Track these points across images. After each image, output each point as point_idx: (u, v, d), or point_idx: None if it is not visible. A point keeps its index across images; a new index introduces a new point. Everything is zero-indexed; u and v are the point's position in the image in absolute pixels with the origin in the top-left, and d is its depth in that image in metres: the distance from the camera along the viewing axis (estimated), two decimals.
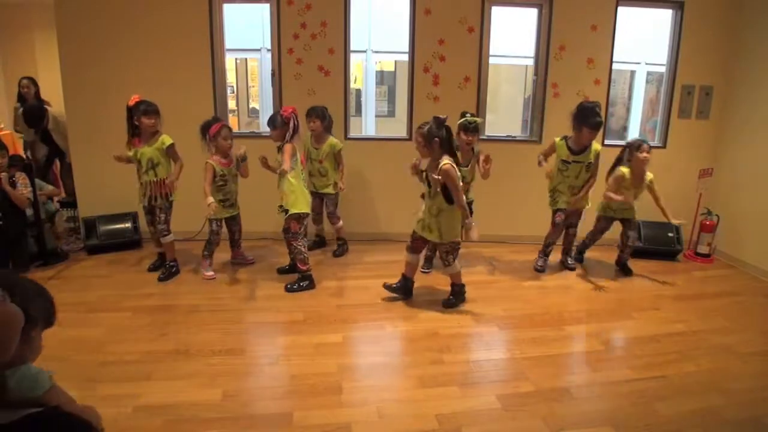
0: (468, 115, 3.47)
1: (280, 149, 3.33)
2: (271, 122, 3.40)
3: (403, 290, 3.30)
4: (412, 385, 2.39)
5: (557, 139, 3.71)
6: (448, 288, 3.27)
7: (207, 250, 3.66)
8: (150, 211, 3.66)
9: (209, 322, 2.96)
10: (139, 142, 3.47)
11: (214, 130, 3.48)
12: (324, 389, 2.33)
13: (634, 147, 3.59)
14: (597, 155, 3.66)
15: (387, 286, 3.31)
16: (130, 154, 3.51)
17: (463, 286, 3.26)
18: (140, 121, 3.41)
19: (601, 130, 4.44)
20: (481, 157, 3.46)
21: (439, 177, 2.89)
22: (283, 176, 3.25)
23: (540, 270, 3.87)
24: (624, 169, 3.62)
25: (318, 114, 3.87)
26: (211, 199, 3.38)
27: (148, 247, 4.22)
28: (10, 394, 1.05)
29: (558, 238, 3.89)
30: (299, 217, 3.35)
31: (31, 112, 4.83)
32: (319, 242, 4.37)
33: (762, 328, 3.04)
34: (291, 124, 3.26)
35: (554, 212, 3.77)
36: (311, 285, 3.46)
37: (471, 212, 3.52)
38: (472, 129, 3.46)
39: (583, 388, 2.41)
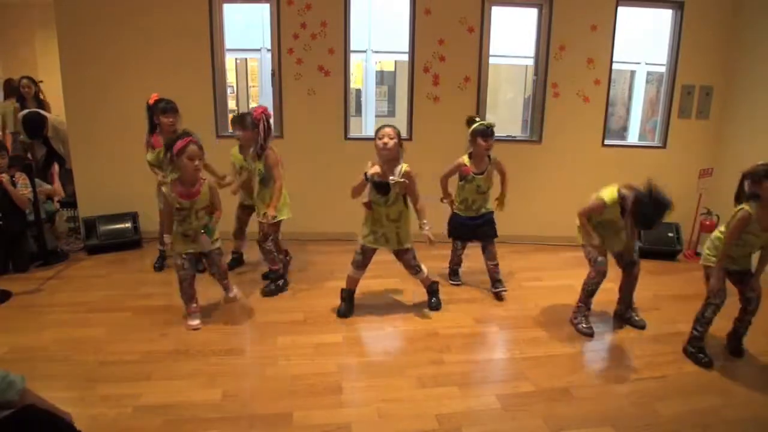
0: (477, 119, 3.33)
1: (260, 156, 3.14)
2: (240, 123, 3.22)
3: (350, 305, 3.13)
4: (412, 385, 2.39)
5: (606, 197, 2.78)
6: (443, 287, 3.27)
7: (182, 293, 2.90)
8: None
9: (209, 322, 2.96)
10: (159, 142, 3.42)
11: (178, 146, 2.68)
12: (324, 389, 2.33)
13: (761, 175, 2.50)
14: None
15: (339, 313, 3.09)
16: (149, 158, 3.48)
17: (436, 282, 3.24)
18: (159, 119, 3.40)
19: (601, 131, 4.49)
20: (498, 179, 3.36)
21: (405, 180, 2.85)
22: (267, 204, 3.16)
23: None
24: (748, 207, 2.51)
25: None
26: (167, 238, 2.85)
27: (148, 247, 4.23)
28: None
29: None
30: (280, 222, 3.30)
31: (30, 122, 4.79)
32: (238, 260, 3.85)
33: (762, 328, 3.04)
34: (261, 126, 3.08)
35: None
36: (286, 284, 3.44)
37: (496, 228, 3.41)
38: (491, 134, 3.24)
39: (583, 388, 2.41)
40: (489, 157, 3.33)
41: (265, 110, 3.12)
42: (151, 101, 3.44)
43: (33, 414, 1.07)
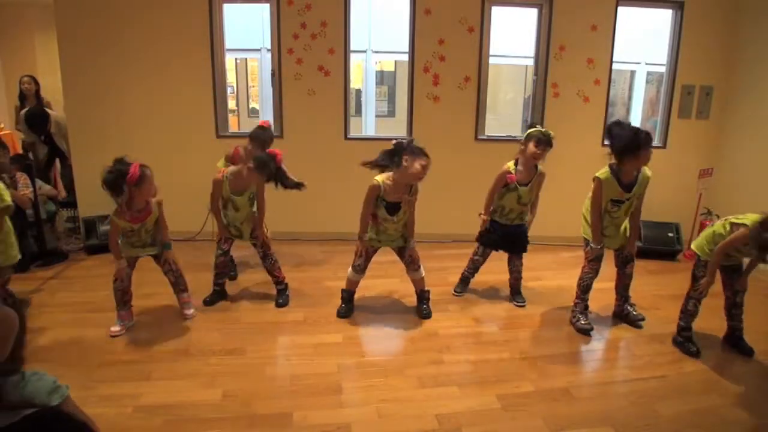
0: (537, 126, 3.12)
1: (250, 196, 3.06)
2: (262, 168, 2.91)
3: (350, 306, 3.14)
4: (412, 385, 2.39)
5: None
6: (447, 287, 3.27)
7: (116, 300, 2.84)
8: None
9: (209, 322, 2.96)
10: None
11: (135, 177, 2.64)
12: (324, 389, 2.33)
13: None
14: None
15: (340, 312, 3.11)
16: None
17: (428, 291, 3.17)
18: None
19: (601, 131, 4.48)
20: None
21: (414, 198, 2.92)
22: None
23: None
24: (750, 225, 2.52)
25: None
26: (122, 263, 2.82)
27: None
28: (14, 398, 1.05)
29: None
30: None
31: (34, 117, 4.80)
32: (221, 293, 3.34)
33: (762, 327, 3.04)
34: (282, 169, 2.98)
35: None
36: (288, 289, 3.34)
37: (527, 241, 3.27)
38: (546, 142, 3.01)
39: (583, 388, 2.41)
40: (536, 167, 3.12)
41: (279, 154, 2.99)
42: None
43: (54, 417, 1.07)
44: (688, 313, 2.79)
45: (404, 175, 2.78)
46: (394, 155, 2.78)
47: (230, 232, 3.18)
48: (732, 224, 2.60)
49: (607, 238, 2.95)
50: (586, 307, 3.02)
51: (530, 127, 3.17)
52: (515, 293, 3.40)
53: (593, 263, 2.95)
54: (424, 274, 3.11)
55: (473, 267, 3.46)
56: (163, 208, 2.90)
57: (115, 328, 2.80)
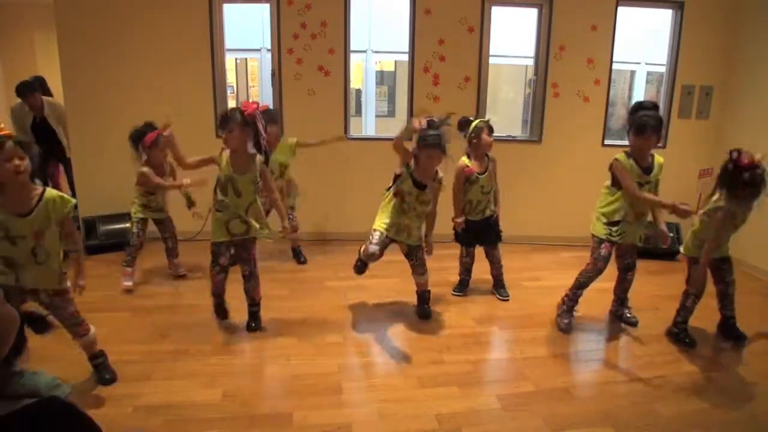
0: (471, 118, 3.26)
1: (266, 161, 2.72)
2: (227, 122, 2.60)
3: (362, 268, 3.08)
4: (412, 385, 2.39)
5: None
6: (447, 287, 3.27)
7: (128, 256, 3.45)
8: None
9: (209, 323, 2.96)
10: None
11: (149, 139, 3.28)
12: (324, 389, 2.33)
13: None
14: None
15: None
16: None
17: (429, 291, 3.15)
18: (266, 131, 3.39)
19: (601, 131, 4.49)
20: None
21: (439, 183, 2.88)
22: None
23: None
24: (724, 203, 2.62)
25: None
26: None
27: (148, 247, 4.21)
28: (12, 392, 1.05)
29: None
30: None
31: (19, 84, 4.71)
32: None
33: (762, 328, 3.04)
34: (259, 124, 2.61)
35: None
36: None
37: (500, 230, 3.37)
38: (491, 128, 3.22)
39: (583, 388, 2.42)
40: (487, 156, 3.27)
41: (257, 106, 2.63)
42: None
43: (54, 406, 1.07)
44: (686, 310, 2.84)
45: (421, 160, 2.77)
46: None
47: (228, 231, 2.71)
48: (705, 214, 2.71)
49: (628, 224, 2.83)
50: (574, 305, 3.01)
51: (465, 122, 3.25)
52: (498, 286, 3.45)
53: (600, 263, 2.88)
54: (427, 278, 3.09)
55: (464, 268, 3.51)
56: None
57: (128, 283, 3.40)
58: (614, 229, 2.83)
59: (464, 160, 3.26)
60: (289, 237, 3.24)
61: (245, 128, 2.57)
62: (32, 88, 4.64)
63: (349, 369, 2.55)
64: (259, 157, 2.66)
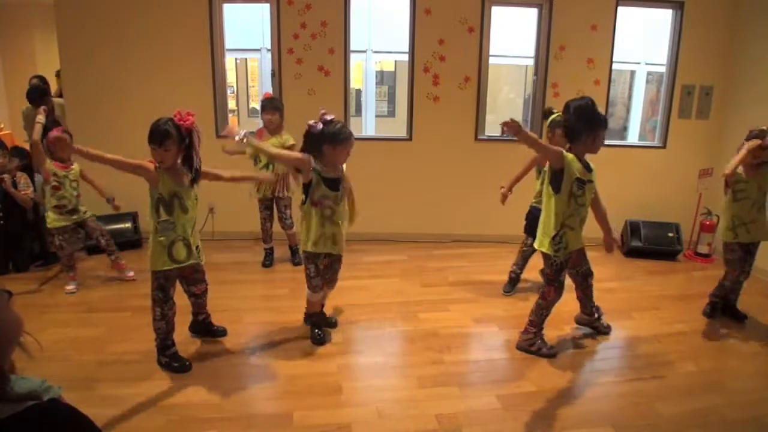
0: (555, 111, 3.07)
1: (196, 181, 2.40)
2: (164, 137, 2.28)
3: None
4: (412, 385, 2.39)
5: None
6: (447, 287, 3.26)
7: (65, 266, 3.41)
8: (267, 207, 3.79)
9: None
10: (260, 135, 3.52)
11: (51, 137, 3.10)
12: (324, 389, 2.33)
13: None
14: None
15: None
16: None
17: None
18: (262, 117, 3.54)
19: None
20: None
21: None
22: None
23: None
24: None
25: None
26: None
27: (148, 247, 4.21)
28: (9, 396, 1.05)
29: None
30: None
31: (33, 89, 4.74)
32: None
33: (762, 328, 3.04)
34: (195, 139, 2.35)
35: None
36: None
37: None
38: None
39: (583, 388, 2.41)
40: None
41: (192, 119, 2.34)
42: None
43: (56, 408, 1.07)
44: (722, 287, 3.02)
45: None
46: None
47: (171, 255, 2.34)
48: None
49: (571, 231, 2.51)
50: (542, 330, 2.73)
51: (548, 113, 3.14)
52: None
53: (560, 287, 2.62)
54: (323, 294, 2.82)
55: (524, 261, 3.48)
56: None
57: (70, 287, 3.32)
58: (555, 241, 2.50)
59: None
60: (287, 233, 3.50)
61: (181, 144, 2.30)
62: (44, 93, 4.67)
63: (349, 369, 2.55)
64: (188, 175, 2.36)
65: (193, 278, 2.57)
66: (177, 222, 2.33)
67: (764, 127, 2.86)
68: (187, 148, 2.33)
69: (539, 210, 2.67)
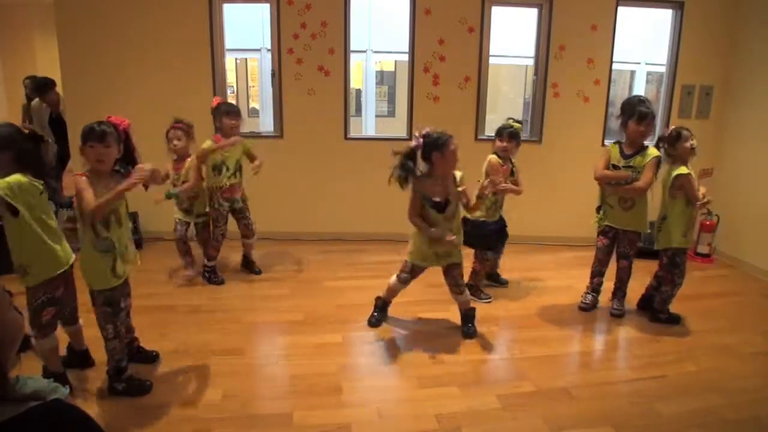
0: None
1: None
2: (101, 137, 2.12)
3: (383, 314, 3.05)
4: (412, 385, 2.40)
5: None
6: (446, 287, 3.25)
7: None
8: (228, 214, 3.57)
9: (209, 322, 2.96)
10: (220, 140, 3.44)
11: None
12: (324, 389, 2.33)
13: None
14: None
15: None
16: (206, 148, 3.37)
17: (474, 309, 2.97)
18: (222, 122, 3.44)
19: (601, 131, 4.48)
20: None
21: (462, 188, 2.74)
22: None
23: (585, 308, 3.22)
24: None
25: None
26: None
27: (148, 247, 4.22)
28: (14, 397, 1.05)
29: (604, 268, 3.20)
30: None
31: (41, 80, 4.77)
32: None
33: (762, 328, 3.04)
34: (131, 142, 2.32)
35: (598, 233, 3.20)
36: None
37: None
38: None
39: (583, 388, 2.41)
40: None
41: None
42: (214, 104, 3.52)
43: (60, 408, 1.07)
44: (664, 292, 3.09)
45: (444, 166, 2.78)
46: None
47: (114, 271, 2.23)
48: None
49: (609, 207, 3.11)
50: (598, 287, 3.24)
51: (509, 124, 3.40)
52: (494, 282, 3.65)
53: (597, 253, 3.24)
54: (468, 296, 2.96)
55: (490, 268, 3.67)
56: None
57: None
58: (597, 216, 3.16)
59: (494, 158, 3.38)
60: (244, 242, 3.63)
61: (119, 145, 2.19)
62: (52, 84, 4.69)
63: (349, 369, 2.55)
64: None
65: (124, 293, 2.35)
66: (113, 236, 2.17)
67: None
68: (126, 149, 2.25)
69: (488, 224, 3.29)
